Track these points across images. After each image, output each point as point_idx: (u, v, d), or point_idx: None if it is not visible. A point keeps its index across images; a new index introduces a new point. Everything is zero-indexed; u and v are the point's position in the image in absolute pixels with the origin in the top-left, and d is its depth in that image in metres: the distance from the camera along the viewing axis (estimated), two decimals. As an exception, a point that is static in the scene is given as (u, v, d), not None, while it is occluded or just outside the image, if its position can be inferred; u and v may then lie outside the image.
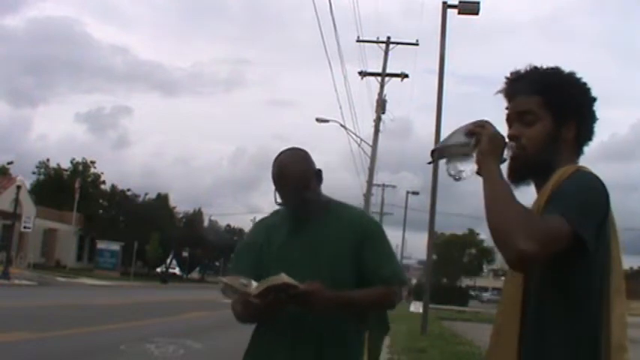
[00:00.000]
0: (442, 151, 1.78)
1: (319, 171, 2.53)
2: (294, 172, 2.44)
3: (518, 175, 1.79)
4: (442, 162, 1.79)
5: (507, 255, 1.54)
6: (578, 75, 1.83)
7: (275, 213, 2.64)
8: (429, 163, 1.85)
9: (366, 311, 2.56)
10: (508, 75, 1.87)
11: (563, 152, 1.78)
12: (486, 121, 1.74)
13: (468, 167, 1.73)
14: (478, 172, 1.72)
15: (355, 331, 2.50)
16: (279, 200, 2.47)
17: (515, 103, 1.82)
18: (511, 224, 1.53)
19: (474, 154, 1.71)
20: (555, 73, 1.83)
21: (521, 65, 1.87)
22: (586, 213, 1.59)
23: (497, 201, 1.60)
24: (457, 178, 1.76)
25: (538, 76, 1.81)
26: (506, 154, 1.74)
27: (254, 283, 2.24)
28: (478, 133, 1.71)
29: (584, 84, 1.82)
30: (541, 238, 1.51)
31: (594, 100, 1.83)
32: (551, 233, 1.53)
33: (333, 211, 2.55)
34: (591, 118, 1.83)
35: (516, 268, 1.60)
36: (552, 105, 1.77)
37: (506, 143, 1.75)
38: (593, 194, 1.64)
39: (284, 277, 2.20)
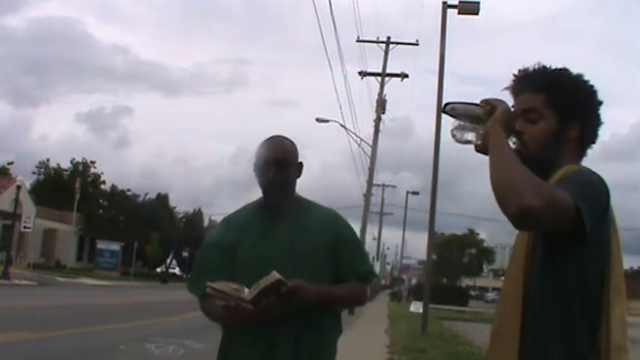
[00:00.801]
0: (455, 107, 1.78)
1: (301, 163, 2.56)
2: (283, 147, 2.49)
3: None
4: (450, 121, 1.79)
5: (512, 209, 1.52)
6: (586, 77, 1.83)
7: (243, 208, 2.61)
8: (442, 112, 1.84)
9: (343, 307, 2.60)
10: (516, 72, 1.87)
11: (566, 152, 1.78)
12: (504, 100, 1.76)
13: (474, 133, 1.74)
14: (478, 150, 1.74)
15: (332, 327, 2.51)
16: (258, 170, 2.47)
17: (521, 100, 1.83)
18: (520, 180, 1.54)
19: (483, 125, 1.72)
20: (563, 73, 1.83)
21: (521, 65, 1.88)
22: (588, 201, 1.59)
23: (506, 161, 1.61)
24: (459, 139, 1.76)
25: (545, 75, 1.82)
26: (510, 144, 1.75)
27: (246, 289, 2.23)
28: (494, 104, 1.73)
29: (591, 86, 1.83)
30: (548, 198, 1.52)
31: (600, 103, 1.83)
32: (557, 198, 1.54)
33: (305, 209, 2.54)
34: (596, 120, 1.83)
35: (519, 223, 1.58)
36: (557, 104, 1.78)
37: (514, 131, 1.76)
38: (595, 189, 1.65)
39: (276, 275, 2.20)
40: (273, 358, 2.35)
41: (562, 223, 1.56)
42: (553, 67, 1.85)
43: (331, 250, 2.46)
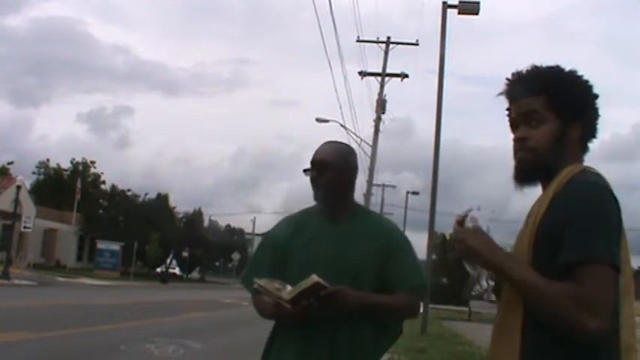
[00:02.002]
0: (469, 292, 1.81)
1: (353, 168, 2.59)
2: (328, 150, 2.54)
3: (527, 177, 1.79)
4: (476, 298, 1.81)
5: (584, 338, 1.55)
6: (580, 73, 1.82)
7: (304, 210, 2.67)
8: (469, 316, 1.84)
9: (390, 317, 2.55)
10: (509, 76, 1.85)
11: (569, 152, 1.77)
12: (456, 235, 1.75)
13: (488, 274, 1.75)
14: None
15: (376, 337, 2.48)
16: (307, 171, 2.52)
17: (519, 105, 1.80)
18: (568, 312, 1.54)
19: (483, 272, 1.74)
20: (557, 72, 1.81)
21: (522, 65, 1.86)
22: (610, 239, 1.59)
23: (537, 293, 1.60)
24: (494, 299, 1.76)
25: (540, 77, 1.80)
26: (484, 226, 1.76)
27: (288, 287, 2.28)
28: (465, 249, 1.72)
29: (586, 82, 1.81)
30: (600, 308, 1.53)
31: (597, 97, 1.82)
32: (604, 297, 1.54)
33: (361, 216, 2.58)
34: (595, 115, 1.82)
35: (598, 336, 1.59)
36: (557, 105, 1.76)
37: (480, 227, 1.76)
38: (608, 212, 1.63)
39: (315, 278, 2.23)
40: (309, 357, 2.39)
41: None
42: (545, 66, 1.82)
43: (381, 258, 2.46)
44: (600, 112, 1.82)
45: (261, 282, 2.32)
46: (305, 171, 2.55)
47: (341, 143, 2.63)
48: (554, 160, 1.75)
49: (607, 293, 1.55)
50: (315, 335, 2.38)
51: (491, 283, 1.77)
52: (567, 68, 1.83)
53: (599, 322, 1.51)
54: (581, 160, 1.79)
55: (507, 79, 1.85)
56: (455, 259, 1.77)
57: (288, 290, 2.27)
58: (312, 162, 2.53)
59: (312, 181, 2.52)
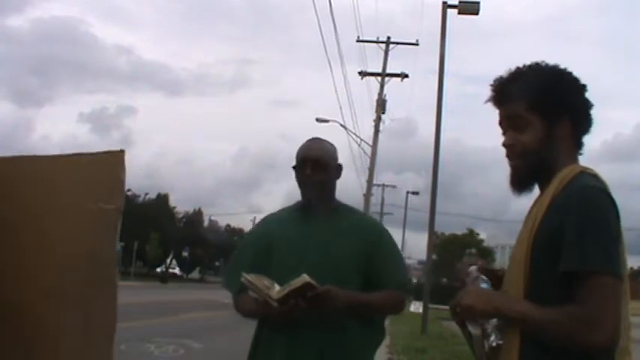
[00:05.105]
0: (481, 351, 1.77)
1: (340, 165, 2.60)
2: (321, 147, 2.52)
3: (521, 184, 1.78)
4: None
5: (600, 353, 1.55)
6: (562, 67, 1.78)
7: (282, 210, 2.65)
8: None
9: (377, 314, 2.57)
10: (492, 83, 1.83)
11: (561, 150, 1.74)
12: (456, 303, 1.72)
13: (493, 327, 1.72)
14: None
15: (364, 336, 2.47)
16: (298, 178, 2.50)
17: (504, 110, 1.79)
18: (578, 334, 1.53)
19: (489, 327, 1.71)
20: (536, 72, 1.78)
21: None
22: (610, 246, 1.58)
23: (542, 325, 1.58)
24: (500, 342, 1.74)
25: (520, 80, 1.77)
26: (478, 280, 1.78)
27: (277, 286, 2.24)
28: (462, 310, 1.71)
29: (568, 75, 1.77)
30: (607, 320, 1.51)
31: (582, 88, 1.77)
32: (609, 309, 1.53)
33: (343, 213, 2.57)
34: (584, 109, 1.77)
35: (614, 349, 1.58)
36: (540, 106, 1.73)
37: (481, 278, 1.79)
38: (607, 218, 1.60)
39: (306, 278, 2.20)
40: (296, 357, 2.36)
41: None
42: (525, 66, 1.79)
43: (366, 255, 2.46)
44: (596, 110, 1.78)
45: (249, 277, 2.27)
46: (297, 168, 2.51)
47: (327, 140, 2.60)
48: (546, 162, 1.73)
49: (611, 304, 1.53)
50: (304, 338, 2.35)
51: (499, 340, 1.73)
52: (548, 66, 1.79)
53: (608, 334, 1.50)
54: (575, 157, 1.76)
55: (491, 85, 1.83)
56: (460, 325, 1.76)
57: (277, 289, 2.23)
58: (306, 159, 2.48)
59: (306, 178, 2.48)
